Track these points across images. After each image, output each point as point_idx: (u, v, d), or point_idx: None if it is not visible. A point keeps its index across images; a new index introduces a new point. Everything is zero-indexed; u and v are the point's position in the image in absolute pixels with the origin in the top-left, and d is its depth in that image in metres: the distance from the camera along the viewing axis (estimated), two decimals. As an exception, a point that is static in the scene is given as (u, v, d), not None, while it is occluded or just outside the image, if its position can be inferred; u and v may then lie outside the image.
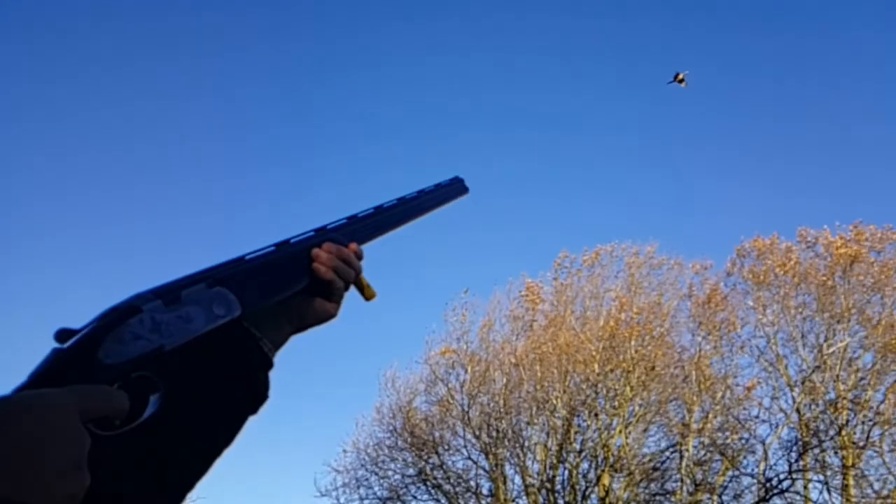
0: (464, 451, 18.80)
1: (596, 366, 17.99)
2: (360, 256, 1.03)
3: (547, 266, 20.99)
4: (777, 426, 17.26)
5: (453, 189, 1.30)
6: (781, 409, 17.40)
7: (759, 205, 28.28)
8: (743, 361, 18.12)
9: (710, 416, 17.81)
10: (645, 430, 18.44)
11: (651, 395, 18.08)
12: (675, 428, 18.09)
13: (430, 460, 19.29)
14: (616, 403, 18.21)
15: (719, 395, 17.97)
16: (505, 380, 18.67)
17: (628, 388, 17.96)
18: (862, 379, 16.89)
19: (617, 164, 28.63)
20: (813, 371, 17.19)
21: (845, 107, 27.45)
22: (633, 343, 17.74)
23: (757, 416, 17.54)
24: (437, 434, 19.58)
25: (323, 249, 0.97)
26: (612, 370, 17.97)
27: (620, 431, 18.10)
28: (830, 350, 17.17)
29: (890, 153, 27.38)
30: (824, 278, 17.55)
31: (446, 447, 19.34)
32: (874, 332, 16.77)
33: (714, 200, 28.29)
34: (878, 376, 16.70)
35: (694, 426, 17.71)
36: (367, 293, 1.06)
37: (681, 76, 18.56)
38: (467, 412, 18.99)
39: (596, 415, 18.40)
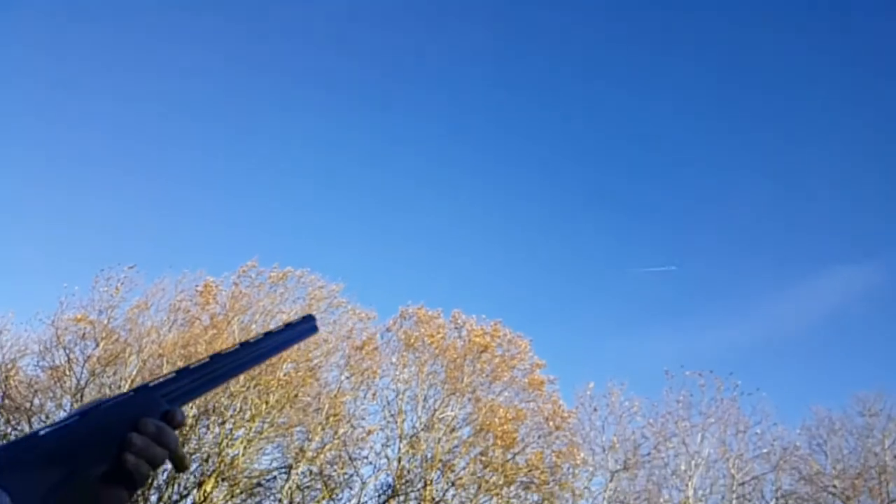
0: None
1: (242, 377, 18.02)
2: (179, 424, 0.86)
3: (231, 269, 20.45)
4: (379, 469, 19.36)
5: (301, 329, 1.12)
6: (388, 457, 19.59)
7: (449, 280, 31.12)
8: (372, 407, 19.98)
9: (327, 447, 19.15)
10: (260, 450, 18.95)
11: (283, 416, 18.72)
12: (293, 451, 18.97)
13: (19, 427, 17.04)
14: (248, 416, 18.42)
15: (341, 430, 19.45)
16: (140, 365, 17.53)
17: (265, 405, 18.35)
18: (456, 446, 19.96)
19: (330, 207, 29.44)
20: (422, 429, 19.75)
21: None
22: (286, 366, 18.23)
23: (367, 457, 19.43)
24: (37, 402, 17.41)
25: (139, 432, 0.81)
26: (256, 385, 18.19)
27: (242, 442, 18.32)
28: (441, 415, 19.97)
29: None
30: (457, 357, 20.45)
31: (44, 418, 17.28)
32: (478, 411, 20.04)
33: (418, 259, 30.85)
34: (468, 448, 19.94)
35: (309, 454, 18.80)
36: (180, 465, 0.88)
37: None
38: (83, 388, 17.34)
39: (224, 422, 18.36)
